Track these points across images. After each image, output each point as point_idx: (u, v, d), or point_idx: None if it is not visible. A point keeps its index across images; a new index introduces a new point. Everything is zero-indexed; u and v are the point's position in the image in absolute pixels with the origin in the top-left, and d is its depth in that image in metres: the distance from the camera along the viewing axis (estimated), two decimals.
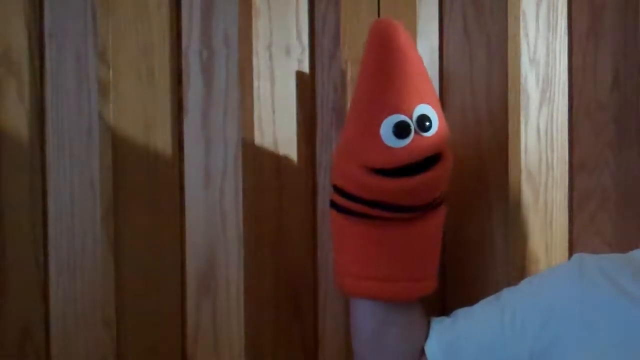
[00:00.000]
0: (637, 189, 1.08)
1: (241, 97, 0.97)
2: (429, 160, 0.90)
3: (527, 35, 1.06)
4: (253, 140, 0.98)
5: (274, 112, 1.00)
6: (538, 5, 1.07)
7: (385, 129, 0.88)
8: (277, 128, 1.00)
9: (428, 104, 0.90)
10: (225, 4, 0.97)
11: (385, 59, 0.89)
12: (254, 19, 0.98)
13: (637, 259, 0.94)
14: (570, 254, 1.08)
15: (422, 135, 0.89)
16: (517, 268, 1.05)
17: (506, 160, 1.05)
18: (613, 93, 1.08)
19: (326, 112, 1.02)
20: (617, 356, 0.87)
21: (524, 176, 1.06)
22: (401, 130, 0.88)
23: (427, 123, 0.89)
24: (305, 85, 1.02)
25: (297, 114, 1.01)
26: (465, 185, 1.06)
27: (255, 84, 0.98)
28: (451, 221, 1.01)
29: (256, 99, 0.98)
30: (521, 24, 1.05)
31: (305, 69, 1.02)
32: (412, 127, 0.88)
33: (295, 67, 1.01)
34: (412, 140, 0.88)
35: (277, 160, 1.00)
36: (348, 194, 0.92)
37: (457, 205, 1.05)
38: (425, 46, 1.05)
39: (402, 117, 0.88)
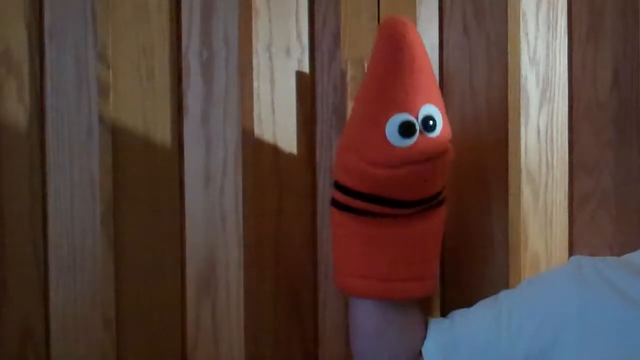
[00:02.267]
0: (637, 189, 1.08)
1: (241, 97, 0.97)
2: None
3: (527, 35, 1.06)
4: (253, 140, 0.98)
5: (274, 112, 1.00)
6: (538, 5, 1.07)
7: (391, 128, 0.88)
8: (277, 128, 1.00)
9: (433, 103, 0.91)
10: (225, 4, 0.97)
11: (394, 57, 0.89)
12: (254, 19, 0.98)
13: (634, 262, 0.94)
14: (570, 254, 1.08)
15: (426, 136, 0.89)
16: (516, 268, 1.05)
17: (506, 160, 1.05)
18: (613, 93, 1.08)
19: (326, 112, 1.02)
20: (615, 359, 0.87)
21: (524, 176, 1.06)
22: (406, 129, 0.88)
23: (432, 123, 0.89)
24: (305, 85, 1.02)
25: (297, 114, 1.01)
26: (465, 185, 1.06)
27: (255, 84, 0.98)
28: (451, 221, 1.01)
29: (256, 99, 0.98)
30: (521, 24, 1.05)
31: (305, 69, 1.02)
32: (418, 127, 0.88)
33: (295, 67, 1.01)
34: (417, 140, 0.89)
35: (277, 160, 1.00)
36: (349, 190, 0.92)
37: (457, 205, 1.05)
38: (425, 45, 1.05)
39: (408, 117, 0.88)
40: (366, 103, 0.91)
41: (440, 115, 0.91)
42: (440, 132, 0.90)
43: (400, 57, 0.88)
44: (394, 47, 0.89)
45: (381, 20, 0.92)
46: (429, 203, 0.93)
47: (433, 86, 0.93)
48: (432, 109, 0.90)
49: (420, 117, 0.89)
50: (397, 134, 0.88)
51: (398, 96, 0.89)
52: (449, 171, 0.98)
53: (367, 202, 0.91)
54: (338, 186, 0.94)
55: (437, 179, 0.92)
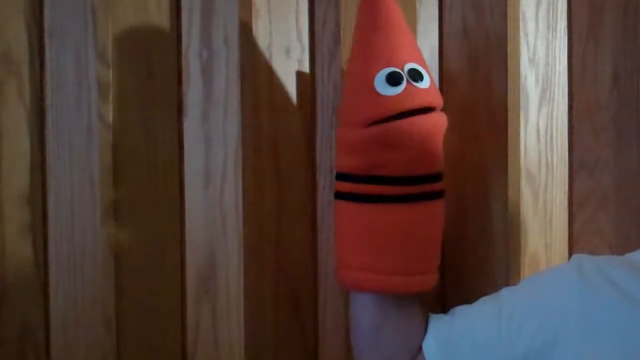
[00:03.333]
0: (637, 189, 1.08)
1: (241, 97, 0.97)
2: None
3: (526, 35, 1.06)
4: (253, 141, 0.98)
5: (274, 112, 1.00)
6: (538, 5, 1.07)
7: (379, 80, 0.91)
8: (277, 128, 1.00)
9: (418, 64, 0.93)
10: (225, 4, 0.97)
11: (373, 19, 0.93)
12: (254, 19, 0.98)
13: (635, 261, 0.94)
14: (570, 254, 1.08)
15: (414, 85, 0.91)
16: (516, 268, 1.05)
17: (506, 160, 1.05)
18: (613, 93, 1.08)
19: (326, 112, 1.02)
20: (616, 359, 0.87)
21: (523, 176, 1.06)
22: (394, 78, 0.91)
23: (420, 76, 0.92)
24: (305, 85, 1.02)
25: (297, 114, 1.01)
26: (465, 185, 1.06)
27: (255, 84, 0.98)
28: (451, 221, 1.01)
29: (256, 99, 0.98)
30: (521, 24, 1.05)
31: (305, 69, 1.02)
32: (404, 76, 0.91)
33: (295, 67, 1.01)
34: (405, 88, 0.91)
35: (277, 160, 1.00)
36: (350, 175, 0.93)
37: (457, 205, 1.05)
38: (425, 46, 1.05)
39: (394, 69, 0.91)
40: (353, 66, 0.94)
41: (425, 72, 0.93)
42: (429, 86, 0.93)
43: (381, 19, 0.93)
44: (371, 8, 0.93)
45: None
46: (427, 184, 0.94)
47: (414, 47, 0.96)
48: (416, 65, 0.93)
49: (406, 69, 0.92)
50: (385, 84, 0.91)
51: (383, 54, 0.92)
52: (449, 170, 0.98)
53: (366, 183, 0.92)
54: (339, 176, 0.95)
55: (432, 145, 0.93)
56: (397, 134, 0.91)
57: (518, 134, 1.05)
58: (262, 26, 0.99)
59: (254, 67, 0.98)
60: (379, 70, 0.91)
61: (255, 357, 0.99)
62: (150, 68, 0.96)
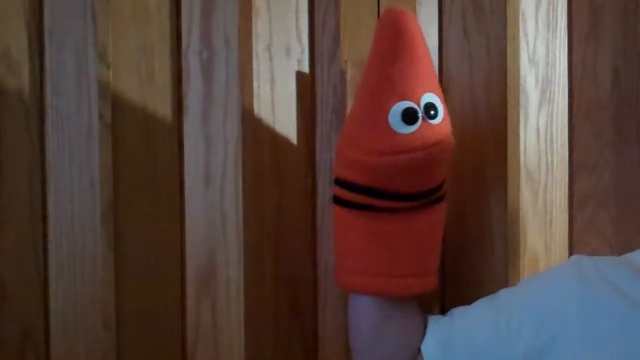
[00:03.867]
0: (637, 189, 1.08)
1: (241, 97, 0.97)
2: None
3: (526, 35, 1.06)
4: (253, 140, 0.98)
5: (274, 112, 1.00)
6: (538, 5, 1.07)
7: (394, 116, 0.89)
8: (277, 128, 1.00)
9: (434, 93, 0.91)
10: (225, 4, 0.97)
11: (394, 46, 0.89)
12: (254, 19, 0.98)
13: (635, 262, 0.94)
14: (570, 254, 1.08)
15: (429, 123, 0.90)
16: (516, 268, 1.05)
17: (505, 161, 1.05)
18: (613, 93, 1.08)
19: (326, 112, 1.02)
20: (615, 359, 0.87)
21: (523, 176, 1.06)
22: (409, 116, 0.89)
23: (433, 111, 0.90)
24: (305, 85, 1.02)
25: (297, 114, 1.01)
26: (464, 185, 1.06)
27: (255, 84, 0.98)
28: (451, 221, 1.01)
29: (256, 99, 0.98)
30: (520, 24, 1.05)
31: (305, 69, 1.02)
32: (420, 114, 0.89)
33: (295, 67, 1.01)
34: (420, 127, 0.89)
35: (277, 160, 1.00)
36: (352, 185, 0.92)
37: (457, 205, 1.05)
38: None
39: (410, 104, 0.89)
40: (367, 94, 0.91)
41: (440, 103, 0.91)
42: (442, 120, 0.91)
43: (401, 46, 0.89)
44: (394, 36, 0.89)
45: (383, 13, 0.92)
46: (429, 197, 0.93)
47: (433, 76, 0.93)
48: (433, 97, 0.91)
49: (422, 104, 0.90)
50: (400, 121, 0.89)
51: (399, 85, 0.89)
52: (449, 170, 0.98)
53: (368, 196, 0.91)
54: (339, 182, 0.94)
55: (437, 169, 0.93)
56: (407, 166, 0.90)
57: (518, 134, 1.05)
58: (262, 26, 0.99)
59: (254, 67, 0.98)
60: (394, 104, 0.89)
61: (255, 357, 0.99)
62: (150, 68, 0.96)
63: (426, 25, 1.06)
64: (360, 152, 0.91)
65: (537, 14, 1.07)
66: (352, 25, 1.01)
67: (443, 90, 1.05)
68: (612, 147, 1.08)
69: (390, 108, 0.89)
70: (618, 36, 1.08)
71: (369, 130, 0.90)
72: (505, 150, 1.05)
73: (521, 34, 1.05)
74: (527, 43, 1.06)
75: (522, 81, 1.05)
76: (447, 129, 0.93)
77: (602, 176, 1.09)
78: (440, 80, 1.07)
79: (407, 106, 0.89)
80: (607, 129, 1.08)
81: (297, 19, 1.01)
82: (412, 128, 0.89)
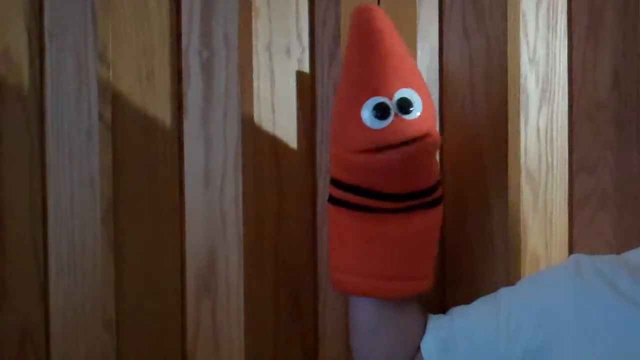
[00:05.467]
0: (637, 189, 1.08)
1: (241, 97, 0.97)
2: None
3: (526, 35, 1.06)
4: (253, 141, 0.98)
5: (274, 112, 1.00)
6: (538, 5, 1.07)
7: (366, 111, 0.89)
8: (277, 128, 1.00)
9: (411, 87, 0.91)
10: (225, 4, 0.97)
11: (362, 44, 0.90)
12: (254, 19, 0.98)
13: (633, 261, 0.94)
14: (570, 254, 1.08)
15: (402, 118, 0.89)
16: (516, 268, 1.05)
17: (506, 160, 1.05)
18: (613, 93, 1.08)
19: (326, 112, 1.02)
20: (614, 358, 0.87)
21: (523, 176, 1.06)
22: (381, 111, 0.89)
23: (409, 107, 0.89)
24: (305, 85, 1.02)
25: (297, 114, 1.01)
26: (464, 185, 1.06)
27: (255, 84, 0.98)
28: (451, 221, 1.02)
29: (256, 99, 0.98)
30: (521, 24, 1.05)
31: (305, 69, 1.02)
32: (392, 109, 0.89)
33: (295, 67, 1.01)
34: (392, 122, 0.89)
35: (277, 160, 1.00)
36: (343, 184, 0.92)
37: (457, 205, 1.05)
38: (425, 47, 1.05)
39: (382, 99, 0.89)
40: (343, 94, 0.92)
41: (419, 98, 0.90)
42: (420, 115, 0.90)
43: (369, 42, 0.90)
44: (362, 33, 0.90)
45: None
46: (421, 198, 0.93)
47: (409, 70, 0.92)
48: (407, 92, 0.90)
49: (395, 99, 0.89)
50: (371, 117, 0.89)
51: (371, 81, 0.90)
52: (449, 171, 0.98)
53: (359, 196, 0.92)
54: (332, 181, 0.95)
55: (423, 169, 0.92)
56: (383, 165, 0.89)
57: (518, 134, 1.05)
58: (262, 26, 0.99)
59: (254, 67, 0.98)
60: (366, 100, 0.89)
61: (255, 357, 0.99)
62: (150, 68, 0.96)
63: (426, 25, 1.06)
64: (341, 149, 0.91)
65: (537, 14, 1.07)
66: None
67: (443, 91, 1.05)
68: (612, 147, 1.08)
69: (362, 103, 0.89)
70: (618, 36, 1.08)
71: (344, 126, 0.91)
72: (506, 150, 1.05)
73: (521, 34, 1.05)
74: (527, 43, 1.06)
75: (522, 81, 1.06)
76: (427, 124, 0.91)
77: (602, 176, 1.09)
78: (440, 81, 1.07)
79: (378, 101, 0.89)
80: (607, 129, 1.08)
81: (297, 19, 1.01)
82: (384, 123, 0.89)
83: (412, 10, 1.04)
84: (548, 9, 1.08)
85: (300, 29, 1.01)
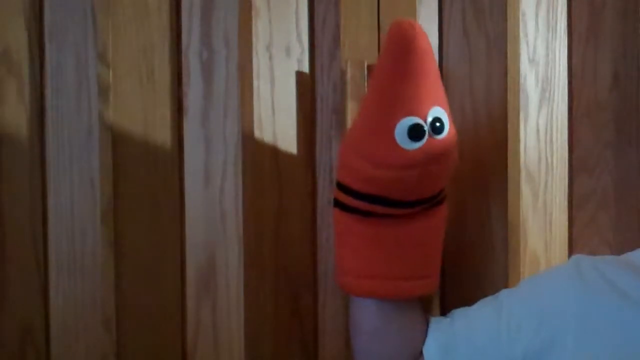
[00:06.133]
0: (637, 189, 1.08)
1: (241, 97, 0.97)
2: None
3: (526, 35, 1.06)
4: (253, 141, 0.98)
5: (274, 112, 1.00)
6: (538, 5, 1.07)
7: (400, 131, 0.88)
8: (277, 128, 1.00)
9: (440, 106, 0.91)
10: (225, 4, 0.97)
11: (403, 61, 0.88)
12: (254, 19, 0.98)
13: (634, 261, 0.94)
14: (570, 254, 1.08)
15: (434, 138, 0.89)
16: (516, 268, 1.05)
17: (506, 160, 1.05)
18: (613, 93, 1.08)
19: (326, 112, 1.02)
20: (614, 359, 0.87)
21: (523, 176, 1.06)
22: (415, 133, 0.88)
23: (439, 125, 0.89)
24: (305, 85, 1.02)
25: (297, 114, 1.01)
26: (464, 185, 1.06)
27: (255, 84, 0.98)
28: (451, 221, 1.01)
29: (256, 99, 0.98)
30: (521, 24, 1.05)
31: (305, 69, 1.02)
32: (427, 130, 0.89)
33: (295, 67, 1.01)
34: (426, 143, 0.89)
35: (277, 160, 1.00)
36: (354, 192, 0.92)
37: (457, 205, 1.05)
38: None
39: (417, 120, 0.88)
40: (374, 107, 0.91)
41: (446, 116, 0.91)
42: (448, 133, 0.91)
43: (411, 63, 0.88)
44: (404, 52, 0.88)
45: (387, 23, 0.92)
46: (431, 202, 0.93)
47: (440, 88, 0.92)
48: (439, 112, 0.90)
49: (429, 119, 0.89)
50: (406, 138, 0.88)
51: (407, 100, 0.88)
52: (453, 166, 0.98)
53: (370, 204, 0.91)
54: (341, 187, 0.94)
55: (442, 179, 0.93)
56: (411, 180, 0.90)
57: (518, 134, 1.05)
58: (262, 26, 0.99)
59: (254, 67, 0.98)
60: (401, 118, 0.88)
61: (255, 357, 0.99)
62: (150, 68, 0.96)
63: (426, 25, 1.06)
64: (365, 163, 0.90)
65: (537, 14, 1.07)
66: (352, 25, 1.01)
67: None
68: (612, 147, 1.08)
69: (397, 123, 0.88)
70: (618, 37, 1.08)
71: (374, 143, 0.89)
72: (506, 150, 1.05)
73: (521, 34, 1.05)
74: (527, 43, 1.06)
75: (522, 81, 1.05)
76: (452, 141, 0.92)
77: (602, 176, 1.09)
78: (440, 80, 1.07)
79: (414, 122, 0.88)
80: (607, 129, 1.08)
81: (297, 19, 1.01)
82: (418, 144, 0.88)
83: (412, 10, 1.04)
84: (548, 9, 1.08)
85: (300, 29, 1.01)
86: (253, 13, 0.98)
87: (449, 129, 0.91)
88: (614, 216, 1.09)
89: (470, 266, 1.07)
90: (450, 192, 0.99)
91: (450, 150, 0.91)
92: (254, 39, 0.98)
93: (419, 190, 0.92)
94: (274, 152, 1.00)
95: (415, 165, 0.89)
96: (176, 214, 0.98)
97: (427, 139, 0.89)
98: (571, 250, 1.09)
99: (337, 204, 0.95)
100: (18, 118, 0.93)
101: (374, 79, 0.92)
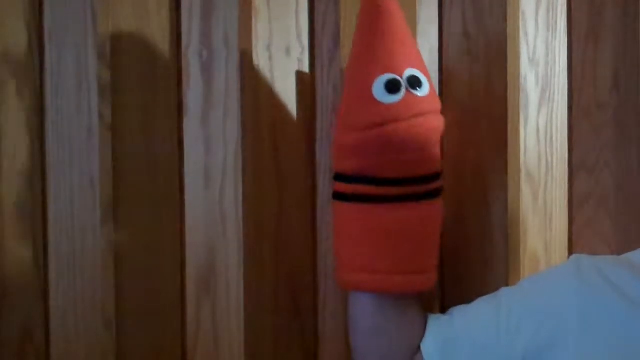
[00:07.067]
0: (637, 189, 1.08)
1: (241, 97, 0.97)
2: None
3: (526, 35, 1.06)
4: (253, 141, 0.98)
5: (274, 112, 1.00)
6: (537, 5, 1.07)
7: (378, 87, 0.91)
8: (277, 128, 1.00)
9: (417, 69, 0.93)
10: (225, 4, 0.97)
11: (375, 24, 0.92)
12: (254, 19, 0.98)
13: (635, 261, 0.94)
14: (570, 254, 1.08)
15: (413, 93, 0.91)
16: (516, 268, 1.05)
17: (505, 160, 1.05)
18: (613, 93, 1.08)
19: (326, 112, 1.02)
20: (615, 358, 0.87)
21: (523, 176, 1.06)
22: (392, 86, 0.91)
23: (419, 84, 0.92)
24: (305, 85, 1.02)
25: (297, 114, 1.01)
26: (464, 185, 1.06)
27: (255, 84, 0.98)
28: (451, 220, 1.02)
29: (256, 99, 0.98)
30: (520, 24, 1.05)
31: (305, 69, 1.02)
32: (403, 84, 0.91)
33: (295, 67, 1.01)
34: (405, 96, 0.91)
35: (277, 160, 1.00)
36: (345, 176, 0.93)
37: (457, 205, 1.05)
38: (425, 46, 1.05)
39: (393, 75, 0.91)
40: (352, 70, 0.94)
41: (425, 79, 0.93)
42: (428, 93, 0.93)
43: (381, 22, 0.92)
44: (375, 12, 0.92)
45: None
46: (422, 184, 0.94)
47: (417, 57, 0.95)
48: (417, 72, 0.93)
49: (405, 77, 0.91)
50: (384, 91, 0.90)
51: (382, 58, 0.92)
52: (449, 170, 0.98)
53: (361, 184, 0.92)
54: (337, 177, 0.95)
55: (426, 149, 0.93)
56: (394, 138, 0.90)
57: (518, 134, 1.05)
58: (262, 26, 0.99)
59: (254, 67, 0.98)
60: (377, 76, 0.91)
61: (255, 357, 0.99)
62: (150, 68, 0.96)
63: (426, 25, 1.06)
64: (352, 132, 0.92)
65: (537, 14, 1.07)
66: (352, 25, 1.01)
67: (443, 91, 1.05)
68: (612, 147, 1.08)
69: (374, 80, 0.91)
70: (618, 36, 1.08)
71: (356, 107, 0.92)
72: (506, 150, 1.05)
73: (521, 33, 1.05)
74: (527, 43, 1.06)
75: (522, 81, 1.06)
76: (435, 105, 0.94)
77: (602, 176, 1.09)
78: (441, 80, 1.07)
79: (389, 77, 0.91)
80: (607, 129, 1.08)
81: (297, 19, 1.01)
82: (396, 97, 0.90)
83: (412, 10, 1.04)
84: (548, 9, 1.08)
85: (300, 29, 1.01)
86: (253, 13, 0.98)
87: (430, 91, 0.93)
88: (614, 216, 1.09)
89: (470, 265, 1.07)
90: (450, 192, 0.99)
91: (432, 112, 0.93)
92: (254, 39, 0.98)
93: (406, 164, 0.92)
94: (274, 152, 1.00)
95: (398, 117, 0.90)
96: (176, 214, 0.98)
97: (406, 93, 0.91)
98: (571, 250, 1.09)
99: (335, 196, 0.96)
100: (18, 118, 0.93)
101: (352, 48, 0.95)
